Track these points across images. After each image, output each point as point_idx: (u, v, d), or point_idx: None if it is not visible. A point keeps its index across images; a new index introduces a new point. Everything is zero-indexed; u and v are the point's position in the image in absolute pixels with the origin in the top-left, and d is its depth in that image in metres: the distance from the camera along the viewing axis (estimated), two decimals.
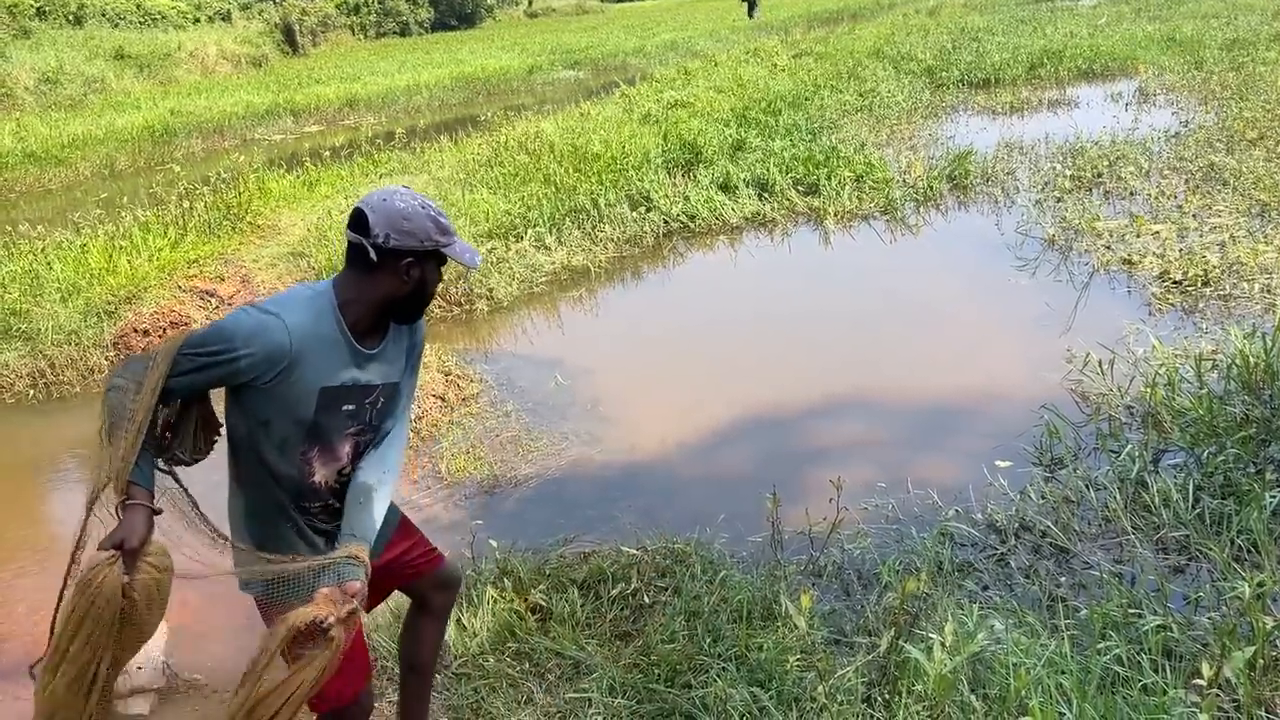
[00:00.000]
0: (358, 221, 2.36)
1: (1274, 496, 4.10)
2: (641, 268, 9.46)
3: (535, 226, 9.96)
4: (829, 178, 10.99)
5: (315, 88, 24.84)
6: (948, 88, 17.54)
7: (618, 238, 10.05)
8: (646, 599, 4.07)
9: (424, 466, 5.89)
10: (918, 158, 11.91)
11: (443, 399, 6.62)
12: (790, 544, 4.62)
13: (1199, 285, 7.24)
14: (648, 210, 10.52)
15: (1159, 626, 3.47)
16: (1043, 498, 4.70)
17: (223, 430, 2.54)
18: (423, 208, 2.37)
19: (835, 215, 10.25)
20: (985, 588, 4.15)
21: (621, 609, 3.99)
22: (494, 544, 4.35)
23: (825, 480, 4.63)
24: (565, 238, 9.99)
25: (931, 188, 10.70)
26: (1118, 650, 3.38)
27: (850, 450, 5.59)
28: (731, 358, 7.17)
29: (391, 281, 2.40)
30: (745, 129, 13.37)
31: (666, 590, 4.10)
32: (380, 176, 12.64)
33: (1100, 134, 12.23)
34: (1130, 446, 4.77)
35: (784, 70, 18.54)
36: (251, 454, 2.45)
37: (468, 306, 8.57)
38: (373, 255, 2.33)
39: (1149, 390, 5.45)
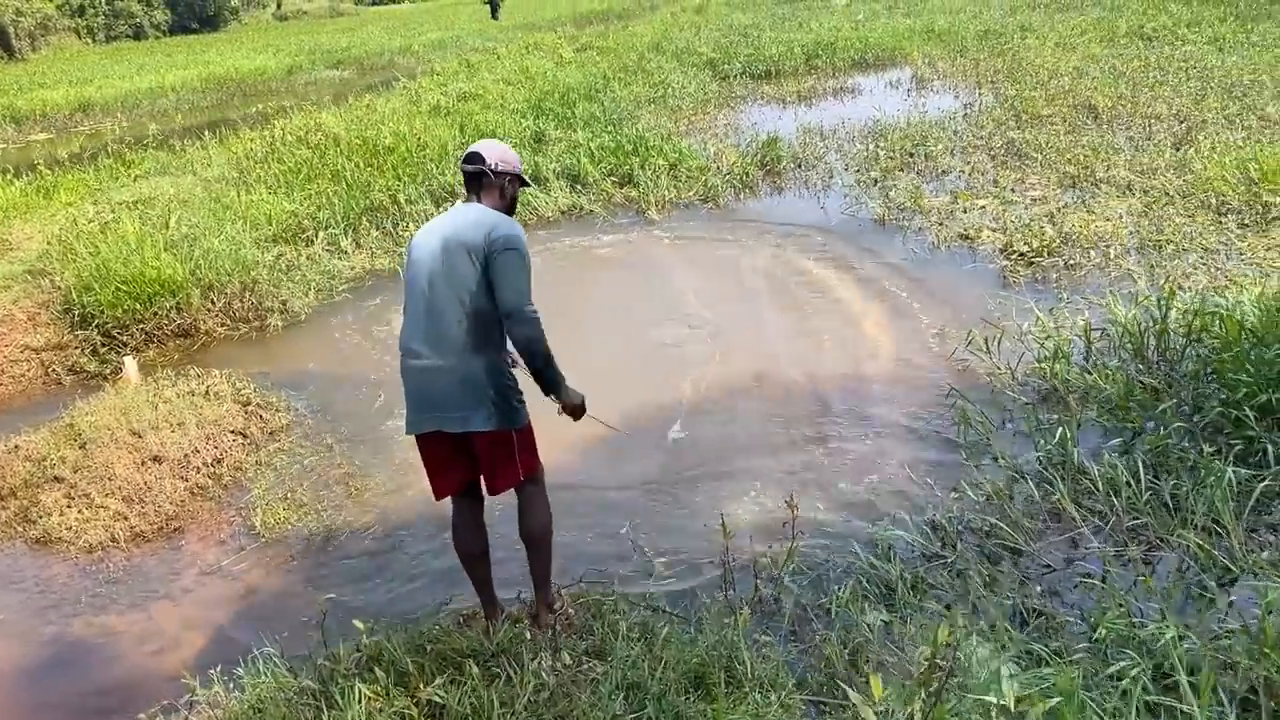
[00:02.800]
0: (474, 159, 3.43)
1: (1235, 471, 3.75)
2: None
3: (328, 228, 8.77)
4: (643, 167, 10.40)
5: (39, 92, 21.95)
6: (732, 79, 17.49)
7: None
8: (564, 666, 3.21)
9: (232, 522, 4.74)
10: (726, 145, 11.52)
11: (244, 435, 5.45)
12: (689, 576, 3.89)
13: (1044, 256, 7.10)
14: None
15: (1177, 637, 2.98)
16: (982, 494, 4.19)
17: None
18: (511, 149, 3.56)
19: (656, 205, 9.64)
20: (948, 606, 3.57)
21: (537, 689, 3.10)
22: (359, 624, 3.34)
23: (719, 496, 3.93)
24: (364, 239, 8.85)
25: (747, 174, 10.31)
26: (1136, 671, 2.85)
27: (751, 459, 4.91)
28: (587, 359, 6.35)
29: (497, 195, 3.48)
30: (542, 120, 12.59)
31: (590, 657, 3.26)
32: (135, 179, 10.93)
33: (895, 117, 12.29)
34: (1061, 430, 4.34)
35: (570, 63, 17.89)
36: (496, 325, 3.28)
37: (257, 323, 7.32)
38: (492, 176, 3.44)
39: (1046, 366, 5.11)
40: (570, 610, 3.65)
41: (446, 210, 3.47)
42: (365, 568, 4.32)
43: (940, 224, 8.19)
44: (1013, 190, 8.82)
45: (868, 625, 3.41)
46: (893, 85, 15.92)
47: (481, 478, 3.49)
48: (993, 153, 10.15)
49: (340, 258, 8.50)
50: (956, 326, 6.08)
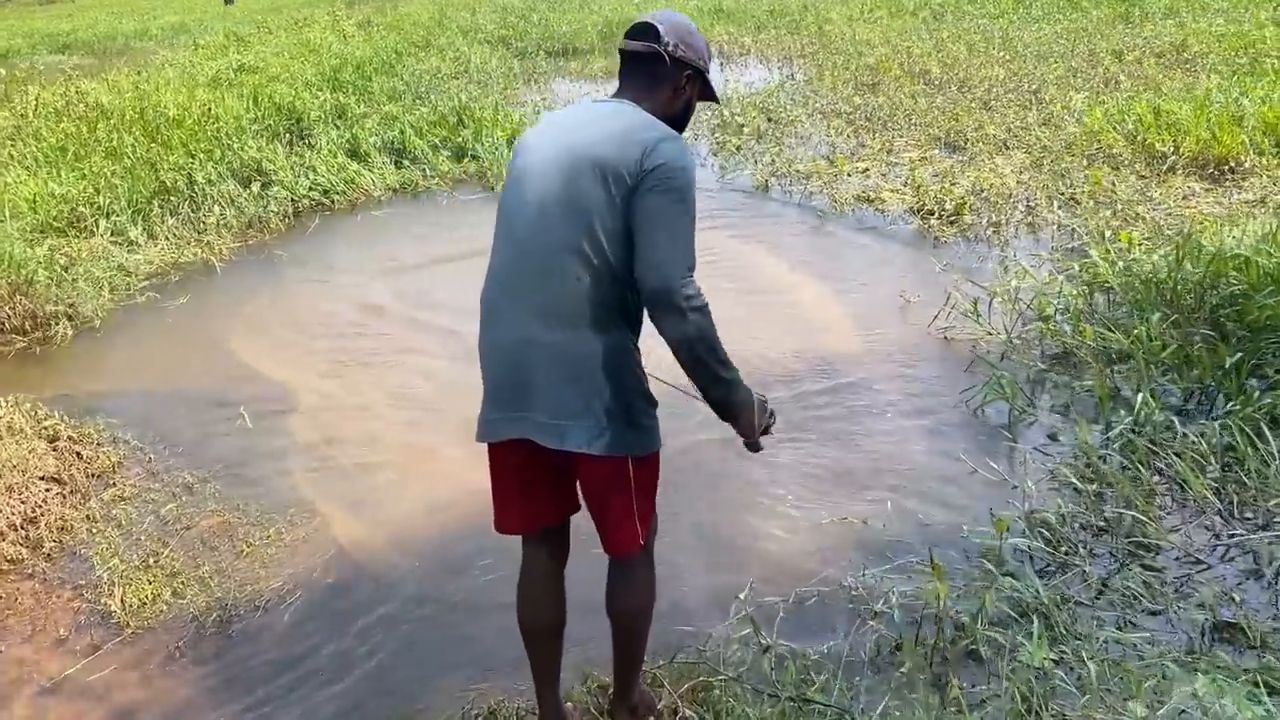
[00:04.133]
0: (643, 32, 2.24)
1: None
2: (285, 255, 6.99)
3: (111, 215, 7.07)
4: (477, 139, 9.25)
5: None
6: (528, 56, 16.56)
7: (234, 223, 7.46)
8: None
9: (73, 608, 3.32)
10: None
11: (61, 481, 3.96)
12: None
13: (962, 215, 6.61)
14: (265, 186, 8.00)
15: None
16: (1064, 480, 3.49)
17: None
18: (698, 32, 2.30)
19: (502, 179, 8.52)
20: (1119, 628, 2.81)
21: None
22: None
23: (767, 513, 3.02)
24: (158, 227, 7.21)
25: None
26: None
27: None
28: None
29: (666, 97, 2.26)
30: (341, 94, 11.11)
31: None
32: None
33: (724, 89, 11.73)
34: (1142, 395, 3.71)
35: (354, 38, 16.24)
36: (636, 295, 2.13)
37: (38, 333, 5.65)
38: (666, 63, 2.22)
39: (1047, 326, 4.53)
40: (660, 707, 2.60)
41: (576, 105, 2.29)
42: (290, 655, 3.06)
43: (829, 188, 7.59)
44: (888, 153, 8.38)
45: (1031, 666, 2.59)
46: None
47: (584, 523, 2.36)
48: (849, 119, 9.72)
49: (133, 250, 6.85)
50: (915, 294, 5.42)
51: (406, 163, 8.99)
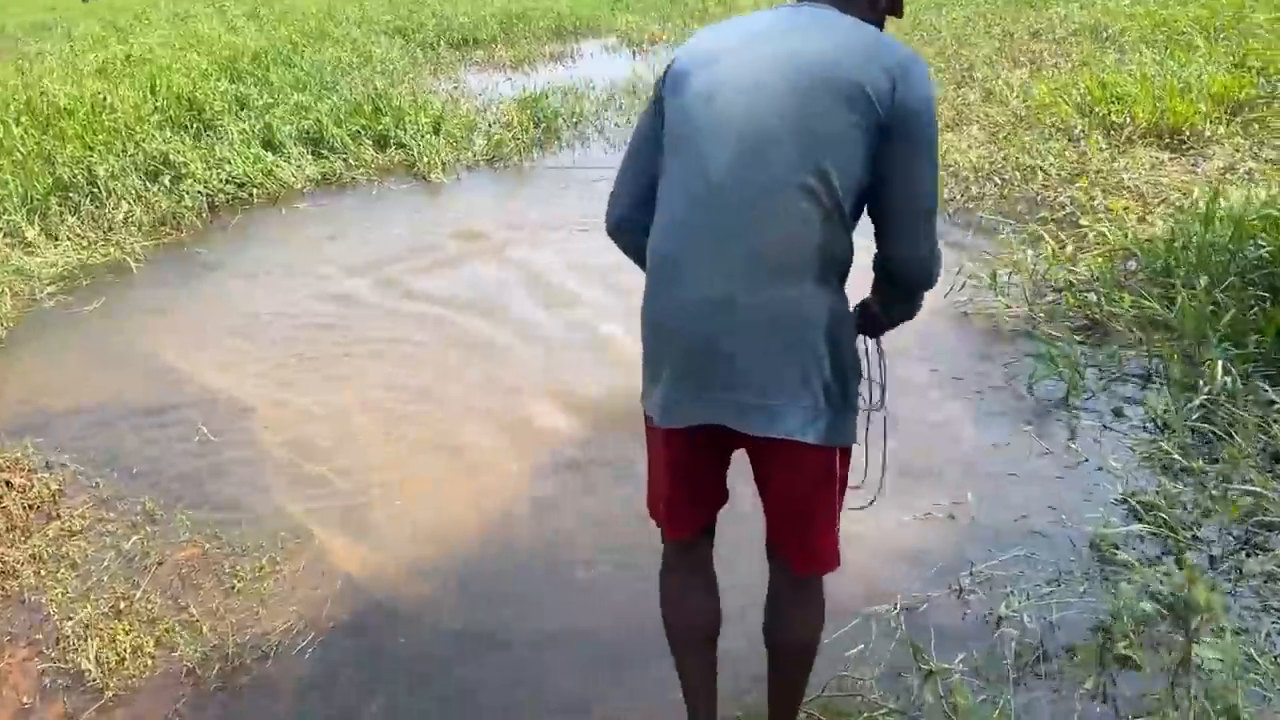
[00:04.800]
0: None
1: None
2: (206, 254, 6.30)
3: (3, 214, 6.28)
4: (399, 127, 8.69)
5: None
6: (431, 48, 15.93)
7: (145, 220, 6.73)
8: None
9: (34, 670, 2.73)
10: (472, 106, 9.99)
11: None
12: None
13: None
14: (176, 180, 7.26)
15: None
16: (1148, 458, 3.23)
17: None
18: None
19: (436, 166, 7.99)
20: None
21: None
22: None
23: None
24: (57, 226, 6.45)
25: (526, 133, 8.90)
26: None
27: None
28: (437, 352, 4.71)
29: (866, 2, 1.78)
30: (240, 84, 10.35)
31: None
32: None
33: (644, 74, 11.38)
34: (1222, 365, 3.47)
35: (245, 29, 15.29)
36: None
37: None
38: None
39: (1073, 295, 4.32)
40: None
41: (756, 13, 1.79)
42: (321, 713, 2.55)
43: None
44: None
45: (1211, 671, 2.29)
46: (609, 50, 15.21)
47: (771, 537, 1.92)
48: None
49: (30, 252, 6.08)
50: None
51: (326, 153, 8.36)
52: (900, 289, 1.83)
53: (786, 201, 1.61)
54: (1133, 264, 4.26)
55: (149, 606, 2.93)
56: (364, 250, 6.19)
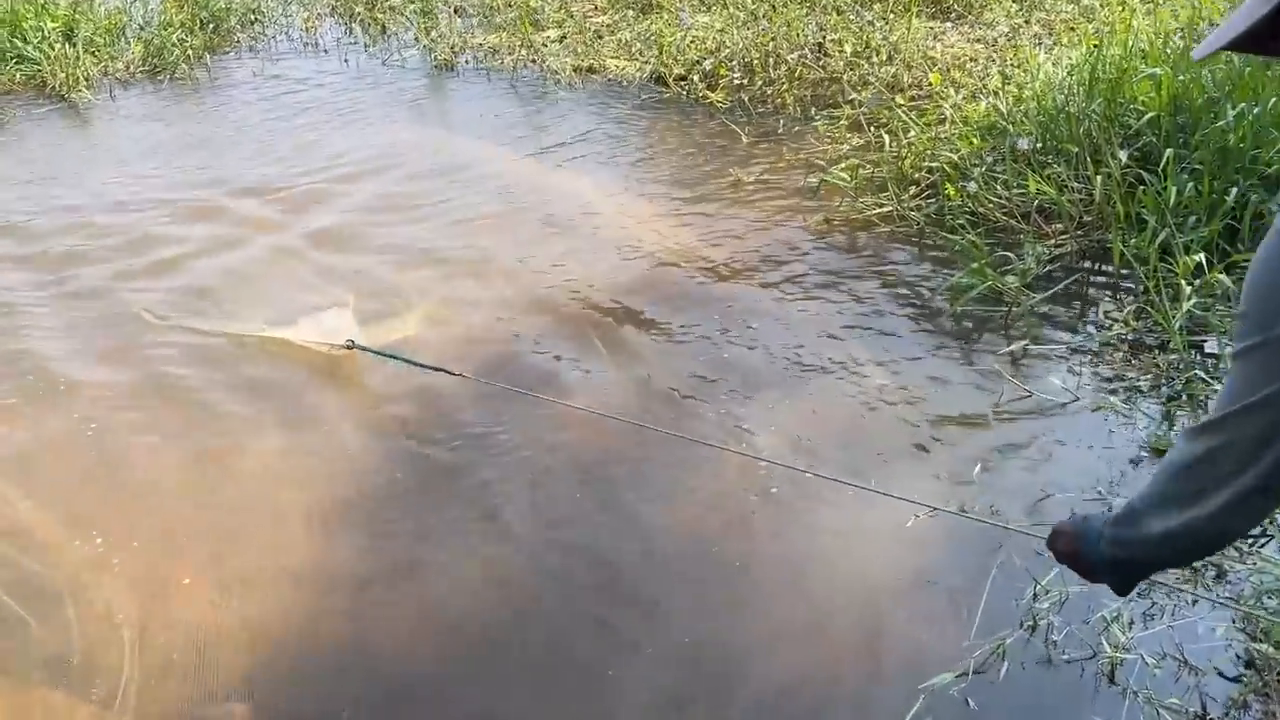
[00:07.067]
0: None
1: None
2: None
3: None
4: (17, 36, 6.66)
5: None
6: None
7: None
8: None
9: None
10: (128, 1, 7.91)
11: None
12: None
13: (719, 77, 5.57)
14: None
15: None
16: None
17: None
18: None
19: (77, 81, 6.15)
20: None
21: None
22: None
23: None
24: None
25: (192, 34, 7.09)
26: None
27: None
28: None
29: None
30: None
31: None
32: None
33: None
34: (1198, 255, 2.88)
35: None
36: None
37: None
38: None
39: (949, 190, 3.65)
40: None
41: None
42: None
43: (535, 61, 6.21)
44: (579, 17, 7.05)
45: None
46: None
47: None
48: None
49: None
50: (743, 173, 4.30)
51: None
52: None
53: None
54: (1024, 143, 3.63)
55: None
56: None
